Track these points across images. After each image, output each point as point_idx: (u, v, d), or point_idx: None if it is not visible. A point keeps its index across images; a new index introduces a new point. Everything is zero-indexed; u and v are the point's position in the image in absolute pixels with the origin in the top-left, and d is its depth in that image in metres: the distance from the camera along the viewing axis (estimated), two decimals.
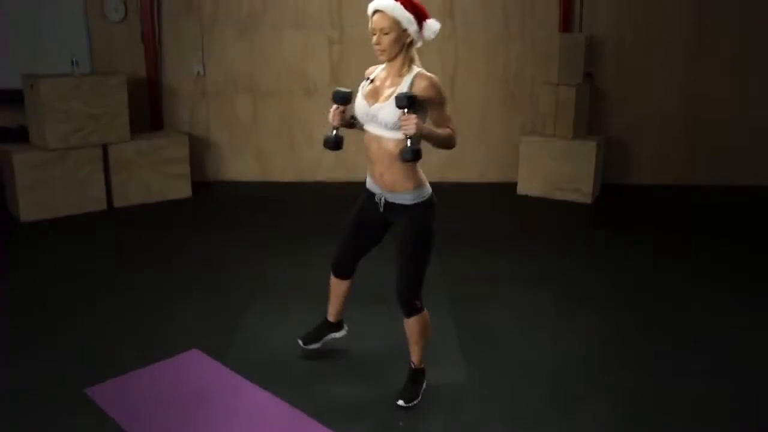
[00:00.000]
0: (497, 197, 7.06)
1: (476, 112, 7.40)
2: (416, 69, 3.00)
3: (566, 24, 7.17)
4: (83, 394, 3.34)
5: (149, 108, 7.32)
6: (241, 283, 4.76)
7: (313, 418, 3.18)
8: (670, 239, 5.82)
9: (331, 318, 3.68)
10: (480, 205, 6.84)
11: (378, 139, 3.02)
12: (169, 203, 6.69)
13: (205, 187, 7.25)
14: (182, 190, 6.87)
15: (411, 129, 2.82)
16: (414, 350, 3.33)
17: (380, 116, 2.95)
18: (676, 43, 7.23)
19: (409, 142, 2.87)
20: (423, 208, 3.10)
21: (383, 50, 2.96)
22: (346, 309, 3.69)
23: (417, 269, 3.15)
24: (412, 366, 3.37)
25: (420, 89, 2.92)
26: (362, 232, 3.34)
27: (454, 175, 7.43)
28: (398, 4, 2.91)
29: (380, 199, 3.15)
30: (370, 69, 3.21)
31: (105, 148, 6.39)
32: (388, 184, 3.08)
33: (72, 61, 6.32)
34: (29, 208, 6.04)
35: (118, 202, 6.50)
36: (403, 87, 2.94)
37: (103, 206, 6.41)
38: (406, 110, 2.82)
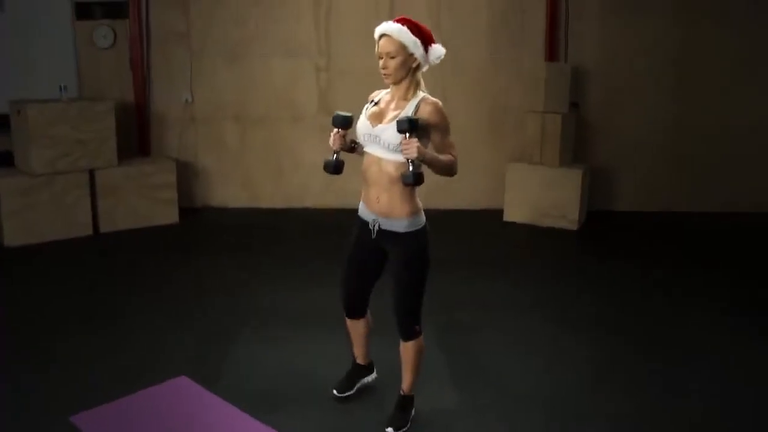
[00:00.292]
0: (484, 224, 7.10)
1: (463, 139, 7.36)
2: (422, 94, 3.01)
3: (552, 53, 7.28)
4: (68, 421, 3.29)
5: (137, 134, 7.33)
6: (230, 309, 4.74)
7: None
8: (658, 264, 5.86)
9: (360, 360, 3.59)
10: (467, 231, 6.86)
11: (378, 161, 3.00)
12: (157, 229, 6.67)
13: (192, 213, 7.24)
14: (169, 215, 6.85)
15: (413, 153, 2.80)
16: (406, 375, 3.31)
17: (383, 137, 2.94)
18: (660, 73, 7.34)
19: (410, 167, 2.85)
20: (417, 236, 3.08)
21: (389, 74, 2.96)
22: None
23: (416, 297, 3.14)
24: (402, 393, 3.35)
25: (425, 113, 2.93)
26: (363, 268, 3.27)
27: (440, 202, 7.45)
28: (405, 28, 2.92)
29: (374, 226, 3.10)
30: (375, 92, 3.20)
31: (92, 173, 6.38)
32: (384, 208, 3.04)
33: (60, 87, 6.33)
34: (14, 233, 5.99)
35: (104, 228, 6.47)
36: (408, 111, 2.94)
37: (90, 231, 6.37)
38: (407, 134, 2.81)
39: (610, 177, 7.54)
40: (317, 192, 7.40)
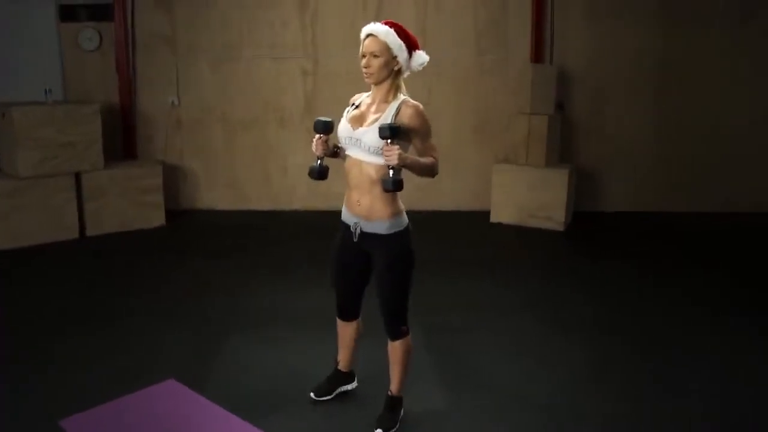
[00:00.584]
0: (471, 225, 7.12)
1: (449, 141, 7.48)
2: (402, 96, 3.03)
3: (537, 55, 7.32)
4: (57, 426, 3.28)
5: (123, 137, 7.31)
6: (219, 312, 4.74)
7: None
8: (648, 264, 5.90)
9: (342, 367, 3.60)
10: (454, 233, 6.89)
11: (359, 163, 3.02)
12: (143, 232, 6.66)
13: (179, 215, 7.23)
14: (156, 218, 6.83)
15: (393, 160, 2.82)
16: (395, 375, 3.32)
17: (364, 140, 2.96)
18: (645, 74, 7.41)
19: (391, 173, 2.87)
20: (399, 237, 3.09)
21: (371, 73, 2.98)
22: (355, 354, 3.63)
23: (401, 297, 3.16)
24: (390, 393, 3.37)
25: (406, 117, 2.95)
26: (349, 271, 3.28)
27: (427, 203, 7.49)
28: (392, 30, 2.96)
29: (355, 229, 3.12)
30: (356, 96, 3.22)
31: (78, 176, 6.36)
32: (364, 210, 3.06)
33: (45, 90, 6.30)
34: (0, 236, 5.96)
35: (90, 231, 6.45)
36: (389, 113, 2.96)
37: (76, 235, 6.35)
38: (389, 141, 2.83)
39: (596, 178, 7.60)
40: (305, 194, 7.41)
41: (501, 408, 3.52)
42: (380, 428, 3.26)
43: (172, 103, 7.34)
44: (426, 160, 3.02)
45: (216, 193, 7.57)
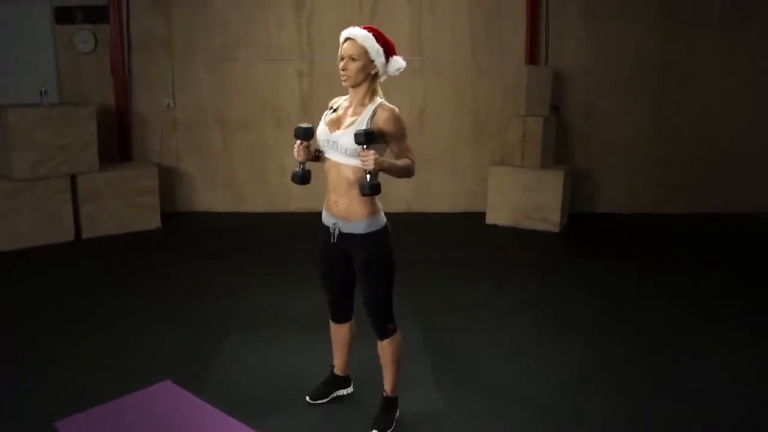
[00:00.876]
0: (466, 227, 7.14)
1: (445, 143, 7.51)
2: (378, 100, 3.08)
3: (533, 57, 7.35)
4: (53, 428, 3.27)
5: (118, 139, 7.30)
6: (218, 312, 4.73)
7: None
8: (645, 264, 5.93)
9: (338, 371, 3.60)
10: (450, 234, 6.90)
11: (337, 166, 3.07)
12: (139, 234, 6.64)
13: (175, 217, 7.22)
14: (152, 220, 6.82)
15: (370, 165, 2.88)
16: (387, 375, 3.33)
17: (341, 143, 3.01)
18: (640, 76, 7.44)
19: (368, 177, 2.92)
20: (377, 236, 3.13)
21: (348, 76, 3.03)
22: (352, 358, 3.63)
23: (384, 295, 3.18)
24: (385, 394, 3.37)
25: (381, 120, 3.00)
26: (334, 273, 3.31)
27: (423, 206, 7.51)
28: (370, 35, 3.02)
29: (334, 230, 3.16)
30: (334, 99, 3.27)
31: (73, 178, 6.34)
32: (342, 211, 3.10)
33: (41, 92, 6.28)
34: None
35: (86, 233, 6.43)
36: (365, 116, 3.01)
37: (72, 237, 6.33)
38: (365, 146, 2.88)
39: (591, 179, 7.62)
40: (301, 195, 7.37)
41: (501, 408, 3.52)
42: (375, 429, 3.26)
43: (168, 105, 7.33)
44: (402, 162, 3.07)
45: (213, 195, 7.56)
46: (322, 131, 3.11)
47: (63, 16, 7.03)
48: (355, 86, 3.06)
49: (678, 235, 6.90)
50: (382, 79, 3.12)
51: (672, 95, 7.45)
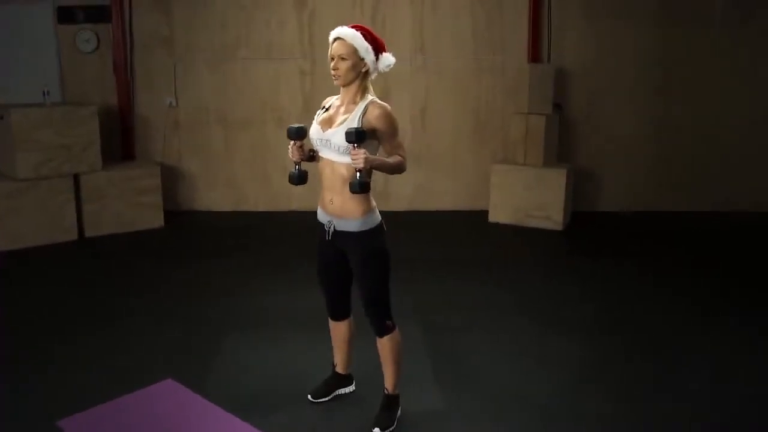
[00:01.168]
0: (469, 225, 7.13)
1: (447, 141, 7.50)
2: (370, 97, 3.10)
3: (535, 55, 7.33)
4: (55, 426, 3.28)
5: (121, 138, 7.31)
6: (219, 312, 4.74)
7: None
8: (646, 263, 5.91)
9: (339, 369, 3.62)
10: (452, 233, 6.89)
11: (331, 163, 3.10)
12: (142, 233, 6.66)
13: (178, 216, 7.23)
14: (154, 219, 6.84)
15: (360, 163, 2.90)
16: (388, 373, 3.34)
17: (333, 141, 3.03)
18: (642, 74, 7.42)
19: (358, 175, 2.95)
20: (372, 234, 3.14)
21: (339, 75, 3.06)
22: (353, 359, 3.64)
23: (381, 293, 3.20)
24: (386, 392, 3.38)
25: (373, 117, 3.02)
26: (330, 271, 3.34)
27: (425, 204, 7.51)
28: (359, 33, 3.05)
29: (329, 228, 3.18)
30: (327, 99, 3.31)
31: (76, 178, 6.36)
32: (337, 209, 3.12)
33: (43, 92, 6.30)
34: None
35: (89, 232, 6.45)
36: (357, 113, 3.03)
37: (75, 236, 6.35)
38: (355, 145, 2.90)
39: (594, 177, 7.60)
40: (302, 195, 7.37)
41: (501, 408, 3.52)
42: (377, 427, 3.27)
43: (170, 104, 7.34)
44: (393, 159, 3.09)
45: (215, 194, 7.57)
46: (315, 130, 3.14)
47: (65, 15, 7.05)
48: (346, 85, 3.09)
49: (682, 233, 6.88)
50: (373, 76, 3.15)
51: (672, 93, 7.42)
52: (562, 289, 5.30)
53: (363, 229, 3.11)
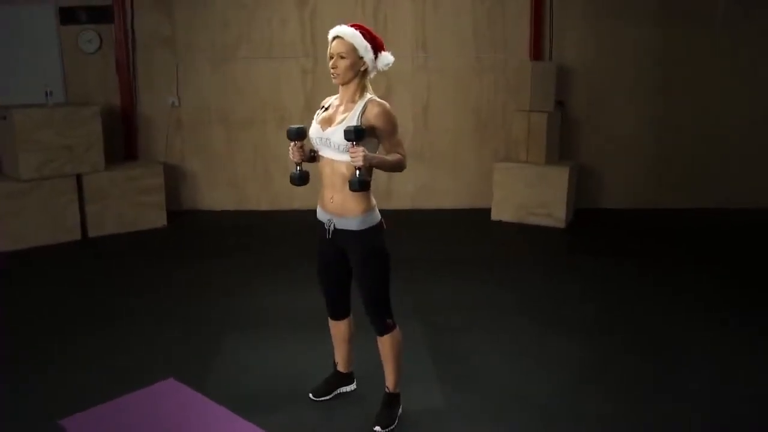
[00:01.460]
0: (471, 223, 7.12)
1: (449, 140, 7.49)
2: (369, 95, 3.10)
3: (537, 53, 7.32)
4: (57, 426, 3.29)
5: (124, 138, 7.33)
6: (219, 312, 4.75)
7: None
8: (647, 261, 5.89)
9: (341, 368, 3.63)
10: (455, 231, 6.89)
11: (331, 162, 3.10)
12: (145, 233, 6.68)
13: (180, 216, 7.25)
14: (157, 219, 6.86)
15: (359, 161, 2.90)
16: (389, 371, 3.35)
17: (333, 139, 3.04)
18: (644, 71, 7.40)
19: (357, 173, 2.95)
20: (372, 233, 3.15)
21: (338, 74, 3.06)
22: (354, 358, 3.64)
23: (381, 291, 3.20)
24: (387, 390, 3.39)
25: (372, 115, 3.02)
26: (330, 269, 3.34)
27: (427, 202, 7.51)
28: (358, 32, 3.05)
29: (329, 226, 3.19)
30: (326, 98, 3.31)
31: (79, 178, 6.37)
32: (337, 207, 3.13)
33: (46, 92, 6.32)
34: (1, 239, 5.97)
35: (92, 232, 6.47)
36: (356, 112, 3.04)
37: (78, 236, 6.37)
38: (354, 143, 2.90)
39: (596, 175, 7.59)
40: (305, 194, 7.34)
41: (501, 408, 3.52)
42: (378, 426, 3.28)
43: (173, 103, 7.35)
44: (392, 157, 3.09)
45: (217, 193, 7.58)
46: (314, 130, 3.15)
47: (68, 16, 7.06)
48: (345, 83, 3.09)
49: (683, 232, 6.85)
50: (372, 75, 3.15)
51: (673, 93, 7.40)
52: (563, 288, 5.29)
53: (363, 227, 3.12)
